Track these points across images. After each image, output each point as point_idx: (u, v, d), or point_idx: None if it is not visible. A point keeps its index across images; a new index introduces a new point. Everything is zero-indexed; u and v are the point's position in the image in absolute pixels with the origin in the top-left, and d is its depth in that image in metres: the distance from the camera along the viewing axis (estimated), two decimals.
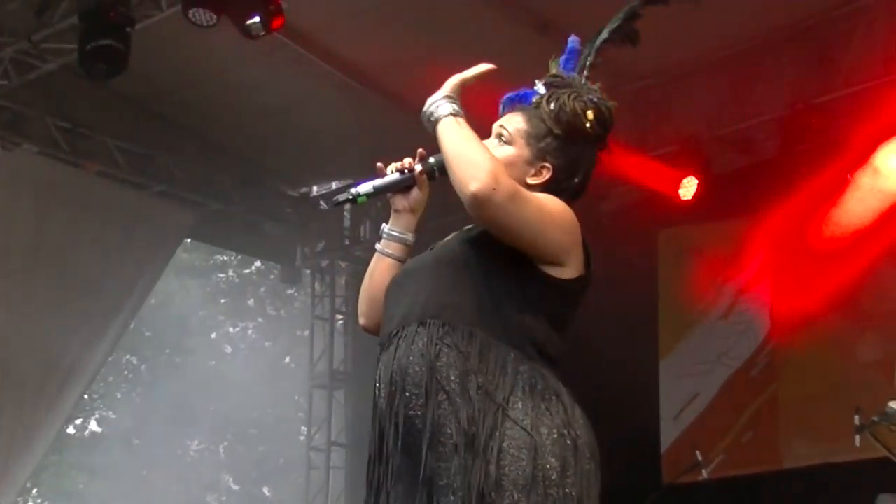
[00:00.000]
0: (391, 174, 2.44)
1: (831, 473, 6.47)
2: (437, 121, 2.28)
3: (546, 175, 2.35)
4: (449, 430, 2.12)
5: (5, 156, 7.70)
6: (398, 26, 6.90)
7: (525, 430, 2.12)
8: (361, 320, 2.49)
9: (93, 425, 16.97)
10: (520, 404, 2.15)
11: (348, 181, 9.41)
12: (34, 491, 15.36)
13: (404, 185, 2.44)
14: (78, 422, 16.25)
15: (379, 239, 2.49)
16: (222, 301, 16.91)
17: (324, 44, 7.32)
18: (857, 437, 5.21)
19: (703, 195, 7.28)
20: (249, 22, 6.05)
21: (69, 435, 15.69)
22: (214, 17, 5.99)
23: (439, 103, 2.30)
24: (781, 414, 7.10)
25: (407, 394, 2.17)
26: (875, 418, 5.12)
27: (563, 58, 2.52)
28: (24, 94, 7.45)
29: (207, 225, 9.19)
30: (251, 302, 17.12)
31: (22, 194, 7.79)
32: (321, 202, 9.50)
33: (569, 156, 2.37)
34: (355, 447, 9.35)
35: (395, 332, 2.24)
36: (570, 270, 2.30)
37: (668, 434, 7.41)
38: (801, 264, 7.22)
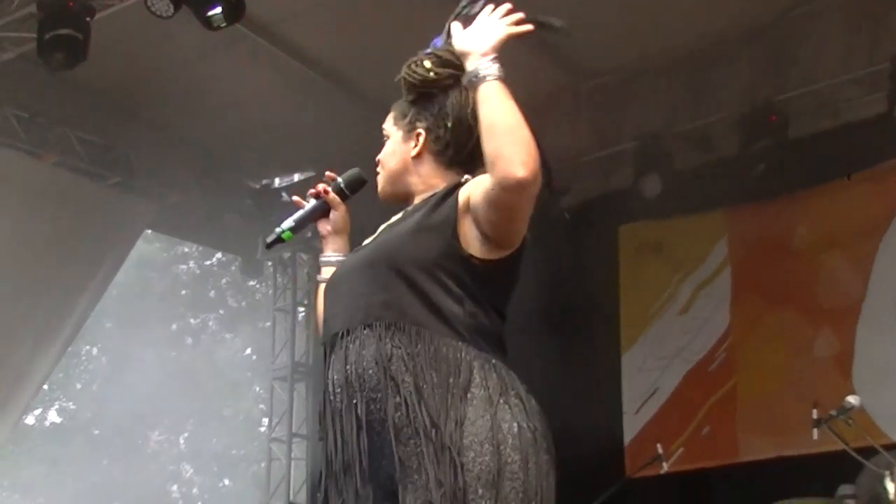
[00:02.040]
0: (308, 204, 2.52)
1: (789, 466, 6.55)
2: (481, 80, 2.20)
3: (420, 138, 2.38)
4: (409, 431, 2.12)
5: None
6: (359, 19, 6.87)
7: (485, 424, 2.12)
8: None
9: (52, 416, 16.85)
10: (477, 399, 2.15)
11: (309, 174, 9.39)
12: None
13: (321, 211, 2.51)
14: (37, 412, 16.13)
15: (318, 270, 2.53)
16: (183, 292, 16.82)
17: (285, 36, 7.28)
18: (815, 431, 5.28)
19: (663, 191, 7.32)
20: (210, 13, 6.00)
21: (29, 425, 15.57)
22: (172, 7, 5.93)
23: (487, 64, 2.20)
24: (740, 408, 7.16)
25: (365, 397, 2.17)
26: (833, 412, 5.20)
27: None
28: None
29: (168, 216, 9.11)
30: (212, 293, 17.05)
31: None
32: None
33: (432, 110, 2.38)
34: (316, 439, 9.32)
35: (339, 333, 2.25)
36: (510, 247, 2.27)
37: (631, 428, 7.47)
38: (759, 260, 7.30)
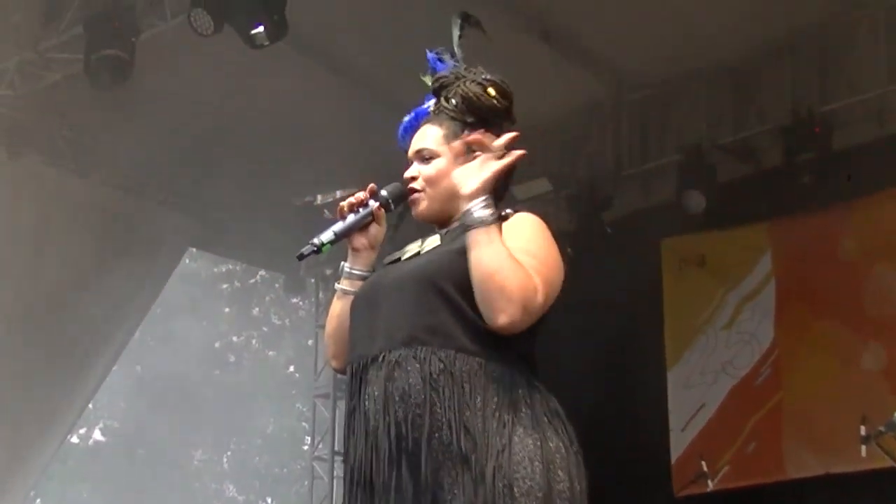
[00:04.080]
0: (350, 216, 2.41)
1: (837, 484, 6.44)
2: (473, 224, 2.20)
3: None
4: (451, 454, 2.10)
5: (10, 165, 7.72)
6: (405, 36, 6.90)
7: (535, 443, 2.12)
8: (335, 363, 2.44)
9: (97, 434, 16.98)
10: (525, 419, 2.14)
11: (351, 190, 9.41)
12: (38, 501, 15.35)
13: (364, 222, 2.42)
14: (82, 431, 16.26)
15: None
16: (226, 310, 16.91)
17: (328, 53, 7.33)
18: (864, 448, 5.20)
19: (706, 204, 7.26)
20: (254, 32, 6.05)
21: (73, 444, 15.70)
22: (212, 24, 5.99)
23: (479, 209, 2.20)
24: (786, 424, 7.06)
25: (407, 418, 2.14)
26: (881, 428, 5.12)
27: (430, 69, 2.50)
28: (29, 104, 7.46)
29: (211, 234, 9.19)
30: (256, 311, 17.12)
31: (26, 202, 7.80)
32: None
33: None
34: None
35: (379, 355, 2.20)
36: None
37: (678, 445, 7.38)
38: (804, 273, 7.21)
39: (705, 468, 6.60)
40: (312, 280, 9.97)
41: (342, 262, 2.48)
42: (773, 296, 7.28)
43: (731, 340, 7.40)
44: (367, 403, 2.19)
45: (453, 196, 2.32)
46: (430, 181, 2.37)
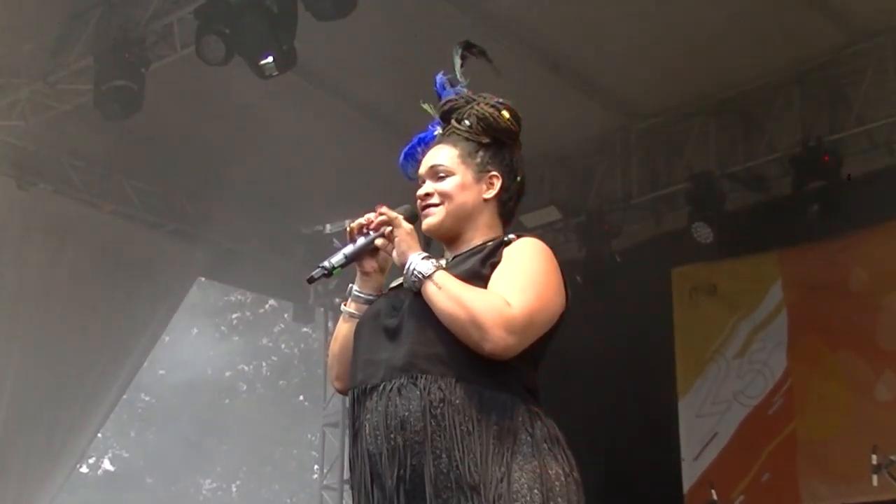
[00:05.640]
0: (360, 238, 2.37)
1: None
2: (421, 283, 2.22)
3: (497, 183, 2.37)
4: (450, 483, 2.10)
5: (21, 195, 7.74)
6: (411, 66, 6.93)
7: (534, 470, 2.12)
8: (337, 384, 2.43)
9: (106, 464, 16.95)
10: (524, 446, 2.14)
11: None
12: None
13: (373, 245, 2.37)
14: (91, 460, 16.24)
15: (345, 301, 2.45)
16: (236, 339, 16.91)
17: (336, 83, 7.36)
18: (875, 477, 5.16)
19: (716, 232, 7.25)
20: (263, 62, 6.08)
21: (82, 473, 15.67)
22: (222, 54, 6.02)
23: (417, 264, 2.23)
24: (800, 453, 7.01)
25: (407, 445, 2.14)
26: (893, 458, 5.08)
27: (438, 94, 2.51)
28: (40, 134, 7.50)
29: (221, 263, 9.20)
30: (265, 340, 17.11)
31: (37, 233, 7.82)
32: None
33: (504, 159, 2.39)
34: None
35: (380, 384, 2.20)
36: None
37: (690, 474, 7.34)
38: (816, 302, 7.18)
39: (715, 497, 6.54)
40: (322, 309, 9.96)
41: (350, 285, 2.46)
42: (786, 325, 7.24)
43: (743, 369, 7.36)
44: (368, 430, 2.20)
45: (467, 216, 2.35)
46: (447, 195, 2.37)
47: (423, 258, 2.24)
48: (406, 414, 2.14)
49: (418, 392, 2.15)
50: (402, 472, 2.13)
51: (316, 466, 11.23)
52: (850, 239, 7.00)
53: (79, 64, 6.73)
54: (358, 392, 2.25)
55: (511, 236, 2.32)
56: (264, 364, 17.28)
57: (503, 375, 2.17)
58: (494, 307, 2.13)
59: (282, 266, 9.49)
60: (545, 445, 2.16)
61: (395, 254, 2.30)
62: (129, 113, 6.55)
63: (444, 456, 2.11)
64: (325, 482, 9.58)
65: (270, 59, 6.05)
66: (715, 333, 7.52)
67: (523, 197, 2.42)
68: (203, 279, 10.67)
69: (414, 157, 2.47)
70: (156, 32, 6.58)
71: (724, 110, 7.35)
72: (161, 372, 15.39)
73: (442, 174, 2.38)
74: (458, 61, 2.51)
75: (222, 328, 16.95)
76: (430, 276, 2.20)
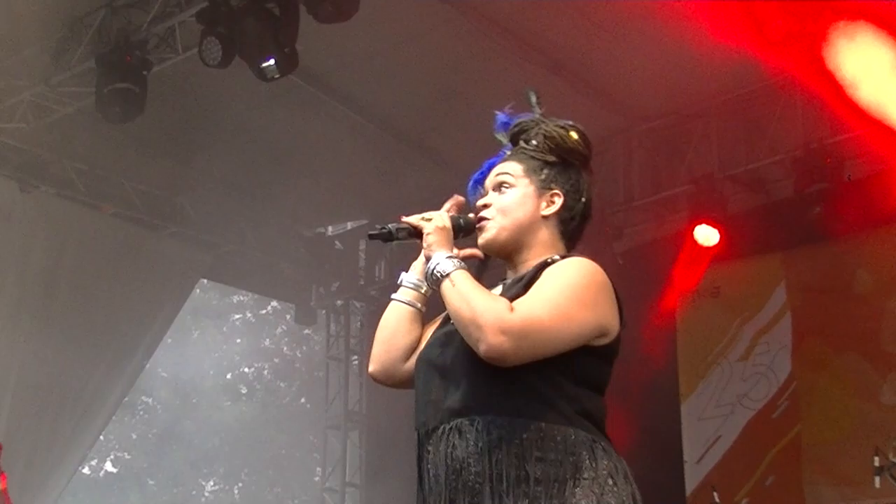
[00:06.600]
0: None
1: None
2: (440, 281, 2.22)
3: (558, 202, 2.34)
4: None
5: (23, 197, 7.75)
6: (410, 69, 6.93)
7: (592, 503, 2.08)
8: (372, 366, 2.43)
9: (108, 466, 16.93)
10: (587, 482, 2.10)
11: (362, 221, 9.43)
12: None
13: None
14: (93, 462, 16.22)
15: (395, 288, 2.44)
16: (238, 341, 16.90)
17: (337, 86, 7.36)
18: (877, 479, 5.15)
19: (718, 235, 7.24)
20: (264, 65, 6.07)
21: (84, 475, 15.66)
22: (223, 57, 6.01)
23: (440, 262, 2.23)
24: (804, 457, 6.99)
25: (468, 489, 2.13)
26: (895, 459, 5.06)
27: (501, 126, 2.47)
28: (42, 137, 7.51)
29: (222, 265, 9.21)
30: (267, 342, 17.10)
31: (39, 235, 7.83)
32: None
33: (570, 178, 2.36)
34: (369, 488, 9.29)
35: (438, 426, 2.19)
36: (611, 332, 2.25)
37: (693, 477, 7.32)
38: (820, 305, 7.16)
39: (717, 499, 6.52)
40: (323, 311, 9.96)
41: (402, 273, 2.44)
42: (790, 329, 7.22)
43: (746, 373, 7.34)
44: (430, 473, 2.19)
45: (522, 232, 2.32)
46: (504, 210, 2.33)
47: (447, 257, 2.23)
48: (465, 456, 2.13)
49: (475, 433, 2.13)
50: None
51: (318, 469, 11.22)
52: (853, 241, 6.99)
53: (81, 67, 6.73)
54: (420, 433, 2.24)
55: (556, 256, 2.28)
56: (266, 366, 17.27)
57: (563, 407, 2.14)
58: (495, 310, 2.11)
59: (283, 268, 9.50)
60: (610, 481, 2.12)
61: (423, 250, 2.29)
62: (131, 116, 6.55)
63: (505, 497, 2.09)
64: (326, 484, 9.57)
65: (272, 61, 6.05)
66: (718, 336, 7.51)
67: (589, 220, 2.37)
68: (205, 281, 10.69)
69: (482, 184, 2.42)
70: (157, 35, 6.58)
71: (725, 112, 7.33)
72: (163, 374, 15.38)
73: (504, 185, 2.35)
74: (532, 98, 2.46)
75: (224, 330, 16.94)
76: (448, 275, 2.19)
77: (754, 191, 7.33)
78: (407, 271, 2.43)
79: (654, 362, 7.44)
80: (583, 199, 2.36)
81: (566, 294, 2.17)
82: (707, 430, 7.37)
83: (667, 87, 7.13)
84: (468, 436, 2.14)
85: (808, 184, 6.90)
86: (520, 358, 2.10)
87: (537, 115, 2.42)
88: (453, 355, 2.21)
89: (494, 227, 2.33)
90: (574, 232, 2.37)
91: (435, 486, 2.17)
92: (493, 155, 2.45)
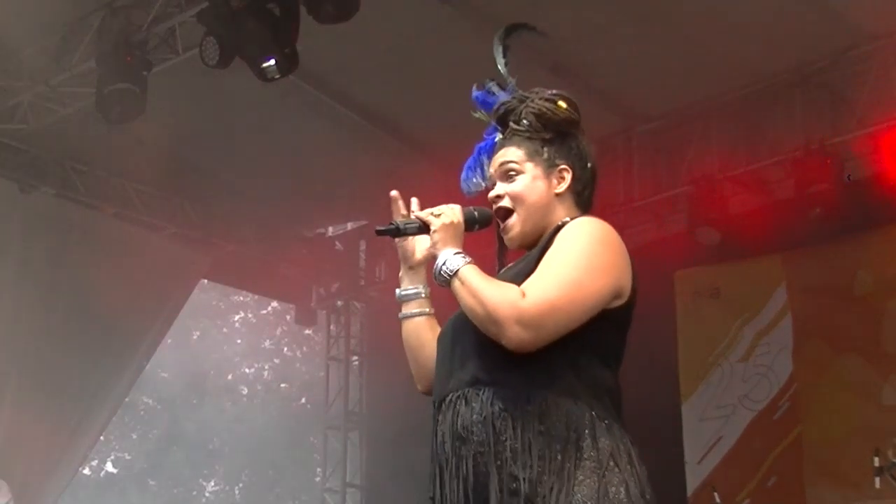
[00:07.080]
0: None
1: None
2: (449, 280, 2.21)
3: (567, 176, 2.33)
4: (515, 489, 2.09)
5: (23, 198, 7.75)
6: (411, 69, 6.93)
7: (592, 486, 2.08)
8: (420, 386, 2.46)
9: (108, 466, 16.93)
10: (587, 461, 2.10)
11: (362, 222, 9.43)
12: None
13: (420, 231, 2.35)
14: (94, 463, 16.21)
15: (396, 288, 2.45)
16: (238, 342, 16.91)
17: (337, 86, 7.35)
18: (878, 479, 5.15)
19: (719, 235, 7.23)
20: (265, 65, 6.07)
21: (85, 476, 15.65)
22: (223, 57, 6.01)
23: (448, 260, 2.22)
24: (806, 457, 6.99)
25: (473, 457, 2.14)
26: (895, 460, 5.06)
27: (480, 104, 2.45)
28: (42, 138, 7.51)
29: (223, 266, 9.21)
30: (267, 343, 17.11)
31: (39, 236, 7.82)
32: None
33: (571, 149, 2.35)
34: (370, 488, 9.29)
35: (448, 395, 2.21)
36: (625, 293, 2.22)
37: (693, 478, 7.31)
38: (820, 306, 7.16)
39: (718, 500, 6.52)
40: (324, 312, 9.96)
41: (397, 290, 2.45)
42: (791, 329, 7.22)
43: (747, 373, 7.34)
44: (438, 439, 2.22)
45: (542, 216, 2.30)
46: (518, 198, 2.31)
47: (455, 253, 2.21)
48: (469, 425, 2.15)
49: (480, 403, 2.14)
50: (468, 482, 2.13)
51: (318, 469, 11.21)
52: (854, 242, 6.99)
53: (81, 67, 6.73)
54: (435, 403, 2.27)
55: (566, 219, 2.27)
56: (266, 366, 17.27)
57: (571, 379, 2.14)
58: (507, 301, 2.09)
59: (283, 268, 9.50)
60: (610, 460, 2.11)
61: (428, 248, 2.29)
62: (131, 116, 6.56)
63: (506, 467, 2.10)
64: (327, 485, 9.57)
65: (272, 62, 6.05)
66: (719, 337, 7.50)
67: (598, 182, 2.37)
68: (205, 281, 10.67)
69: (475, 170, 2.42)
70: (158, 36, 6.58)
71: (726, 113, 7.33)
72: (163, 374, 15.38)
73: (512, 172, 2.32)
74: (501, 59, 2.46)
75: (224, 330, 16.94)
76: (456, 273, 2.18)
77: (754, 191, 7.32)
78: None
79: (655, 363, 7.43)
80: (589, 165, 2.36)
81: (577, 264, 2.15)
82: (708, 431, 7.37)
83: (667, 87, 7.12)
84: (474, 404, 2.15)
85: (809, 184, 6.89)
86: (543, 341, 2.11)
87: (516, 92, 2.39)
88: (466, 329, 2.21)
89: (517, 222, 2.32)
90: (588, 198, 2.36)
91: (442, 452, 2.20)
92: (480, 140, 2.43)
